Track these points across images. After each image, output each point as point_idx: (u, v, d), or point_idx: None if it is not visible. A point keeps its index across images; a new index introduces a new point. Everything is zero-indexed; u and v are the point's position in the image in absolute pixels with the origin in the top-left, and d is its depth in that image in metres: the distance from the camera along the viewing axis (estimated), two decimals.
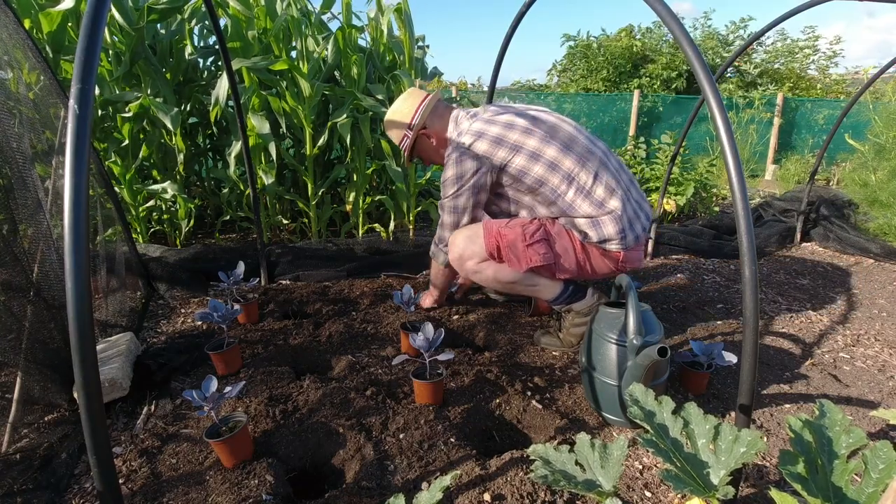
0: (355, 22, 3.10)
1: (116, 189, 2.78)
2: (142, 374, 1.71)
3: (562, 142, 1.76)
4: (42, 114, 1.86)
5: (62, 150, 1.78)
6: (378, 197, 3.34)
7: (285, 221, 3.38)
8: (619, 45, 10.17)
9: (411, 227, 3.47)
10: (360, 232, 3.44)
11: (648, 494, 1.25)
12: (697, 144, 7.08)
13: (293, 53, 3.04)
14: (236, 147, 2.92)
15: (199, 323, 2.19)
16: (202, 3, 2.75)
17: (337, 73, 3.28)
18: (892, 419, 1.01)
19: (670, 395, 1.65)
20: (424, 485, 1.24)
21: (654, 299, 2.49)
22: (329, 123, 3.02)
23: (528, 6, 2.17)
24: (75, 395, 1.30)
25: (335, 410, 1.50)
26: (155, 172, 3.13)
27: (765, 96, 8.16)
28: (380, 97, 3.06)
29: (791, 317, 2.35)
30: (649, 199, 4.22)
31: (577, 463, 1.00)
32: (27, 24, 2.35)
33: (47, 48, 2.43)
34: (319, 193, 3.22)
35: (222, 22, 2.84)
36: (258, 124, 2.88)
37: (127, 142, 2.79)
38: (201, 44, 3.26)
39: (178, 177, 3.07)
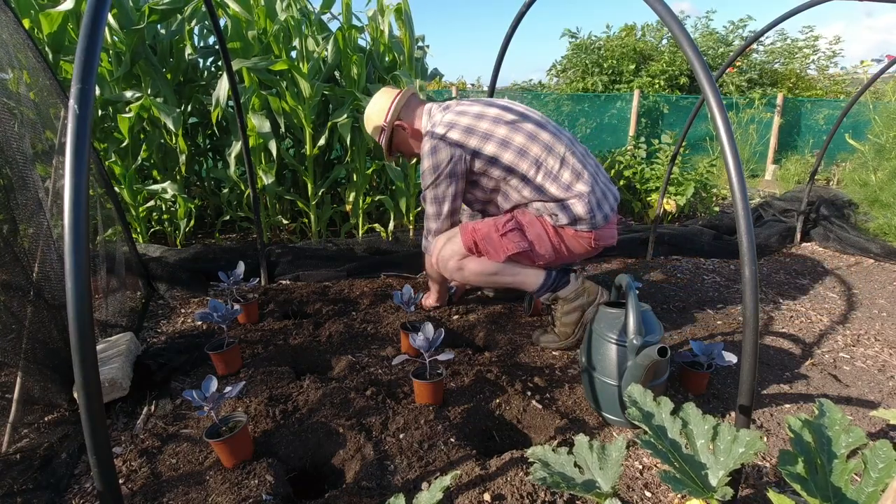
0: (355, 22, 3.10)
1: (116, 189, 2.78)
2: (142, 374, 1.71)
3: (529, 131, 1.86)
4: (42, 114, 1.86)
5: (62, 150, 1.79)
6: (378, 197, 3.34)
7: (285, 221, 3.38)
8: (620, 44, 10.17)
9: (411, 227, 3.47)
10: (360, 232, 3.44)
11: (648, 495, 1.25)
12: (697, 144, 7.07)
13: (293, 53, 3.04)
14: (236, 147, 2.92)
15: (199, 323, 2.19)
16: (202, 3, 2.75)
17: (337, 73, 3.28)
18: (891, 419, 1.01)
19: (670, 395, 1.65)
20: (424, 485, 1.24)
21: (654, 299, 2.49)
22: (329, 123, 3.02)
23: (528, 6, 2.17)
24: (75, 395, 1.30)
25: (335, 410, 1.50)
26: (155, 172, 3.13)
27: (765, 96, 8.16)
28: None
29: (791, 317, 2.35)
30: (649, 198, 4.22)
31: (575, 465, 1.00)
32: (27, 24, 2.35)
33: (47, 49, 2.43)
34: (319, 193, 3.22)
35: (222, 22, 2.85)
36: (258, 123, 2.89)
37: (127, 142, 2.79)
38: (201, 44, 3.26)
39: (178, 177, 3.07)
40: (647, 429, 0.98)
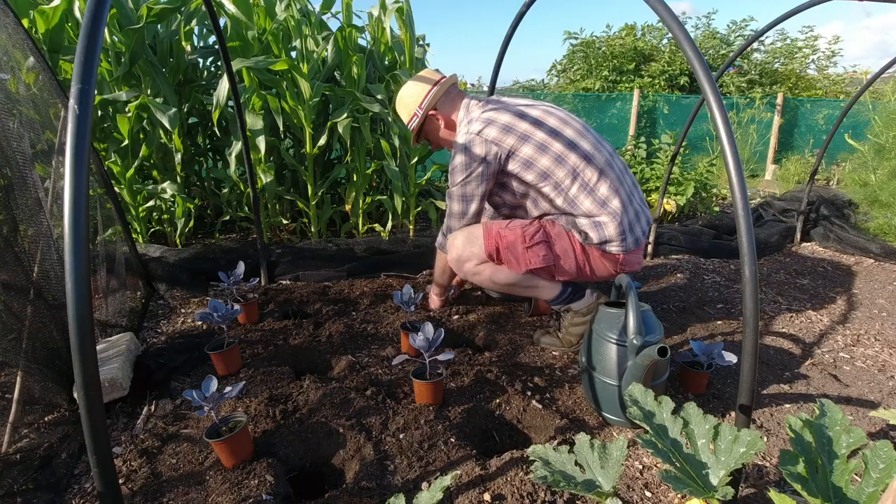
0: (355, 22, 3.10)
1: (116, 189, 2.78)
2: (142, 374, 1.71)
3: (569, 137, 1.76)
4: (42, 114, 1.86)
5: (62, 150, 1.78)
6: (378, 197, 3.33)
7: (285, 221, 3.38)
8: (620, 44, 10.17)
9: (411, 227, 3.47)
10: (360, 232, 3.44)
11: (648, 494, 1.25)
12: (697, 144, 7.07)
13: (293, 53, 3.04)
14: (236, 147, 2.92)
15: (199, 323, 2.19)
16: (202, 3, 2.75)
17: (337, 73, 3.28)
18: (892, 419, 1.01)
19: (670, 395, 1.65)
20: (424, 485, 1.24)
21: (654, 299, 2.49)
22: (329, 123, 3.02)
23: (527, 6, 2.17)
24: (75, 395, 1.30)
25: (335, 410, 1.50)
26: (155, 172, 3.13)
27: (765, 96, 8.16)
28: (380, 97, 3.06)
29: (791, 317, 2.35)
30: (649, 198, 4.22)
31: (576, 463, 1.00)
32: (24, 23, 2.35)
33: (44, 47, 2.43)
34: (319, 193, 3.22)
35: (222, 22, 2.85)
36: (251, 121, 2.88)
37: (127, 142, 2.79)
38: (201, 44, 3.26)
39: (177, 177, 3.07)
40: (648, 428, 0.98)
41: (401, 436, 1.40)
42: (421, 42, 3.44)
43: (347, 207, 3.39)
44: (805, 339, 2.13)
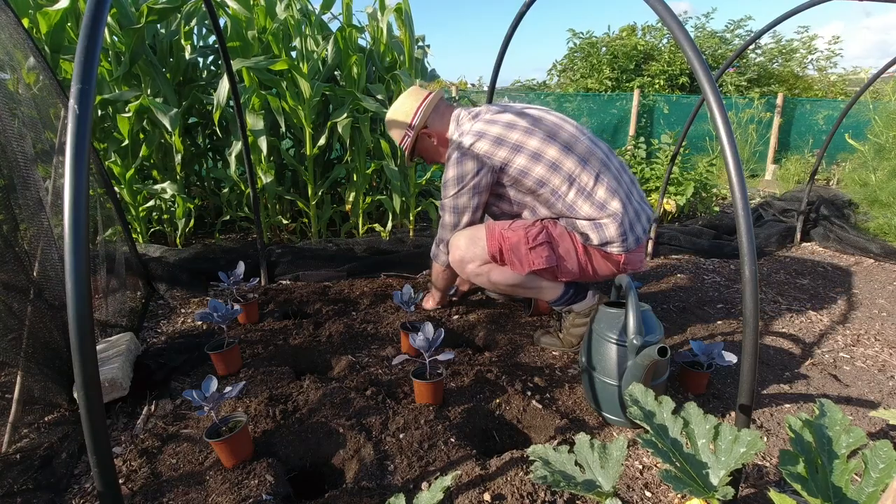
0: (355, 22, 3.10)
1: (116, 189, 2.78)
2: (142, 374, 1.71)
3: (563, 142, 1.75)
4: (42, 114, 1.86)
5: (62, 150, 1.78)
6: (378, 197, 3.34)
7: (285, 221, 3.38)
8: (621, 44, 10.17)
9: (411, 227, 3.47)
10: (360, 232, 3.44)
11: (648, 494, 1.25)
12: (697, 144, 7.07)
13: (293, 53, 3.04)
14: (236, 147, 2.92)
15: (199, 323, 2.19)
16: (202, 3, 2.75)
17: (337, 73, 3.28)
18: (891, 419, 1.01)
19: (670, 395, 1.65)
20: (424, 485, 1.24)
21: (654, 299, 2.49)
22: (329, 123, 3.02)
23: (528, 6, 2.17)
24: (75, 395, 1.30)
25: (335, 410, 1.50)
26: (155, 172, 3.13)
27: (764, 96, 8.16)
28: (380, 97, 3.06)
29: (791, 317, 2.35)
30: (649, 199, 4.22)
31: (576, 463, 1.00)
32: (25, 23, 2.35)
33: (45, 48, 2.43)
34: (319, 193, 3.22)
35: (222, 22, 2.84)
36: (252, 121, 2.88)
37: (127, 142, 2.79)
38: (201, 44, 3.26)
39: (177, 177, 3.07)
40: (648, 428, 0.98)
41: (401, 436, 1.40)
42: (420, 43, 3.44)
43: (347, 207, 3.39)
44: (805, 339, 2.13)
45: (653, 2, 1.08)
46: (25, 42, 1.77)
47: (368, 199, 3.35)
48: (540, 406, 1.55)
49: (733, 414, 1.57)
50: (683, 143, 3.09)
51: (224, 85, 2.72)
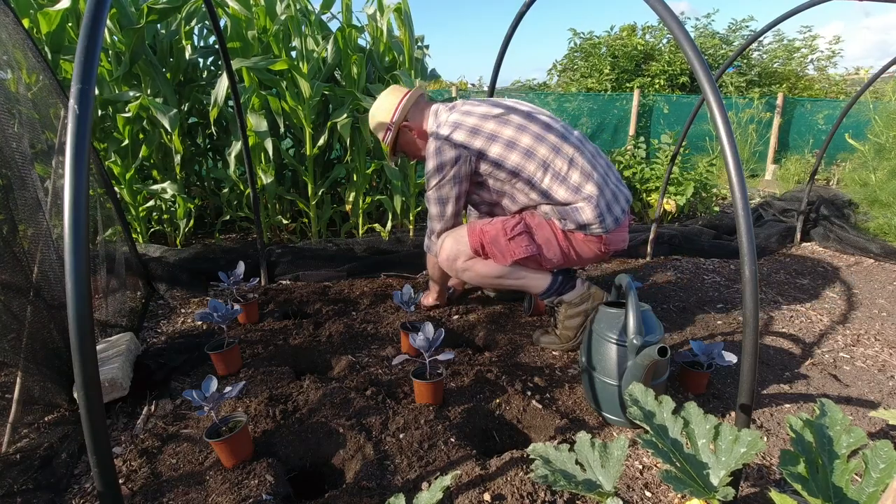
0: (355, 22, 3.10)
1: (116, 189, 2.78)
2: (142, 374, 1.71)
3: (536, 130, 1.81)
4: (42, 114, 1.86)
5: (62, 150, 1.78)
6: (378, 197, 3.34)
7: (285, 221, 3.38)
8: (621, 44, 10.18)
9: (411, 226, 3.47)
10: (360, 232, 3.44)
11: (648, 494, 1.25)
12: (697, 144, 7.07)
13: (293, 53, 3.04)
14: (236, 147, 2.92)
15: (199, 323, 2.19)
16: (202, 3, 2.75)
17: (337, 73, 3.28)
18: (892, 419, 1.01)
19: (670, 394, 1.65)
20: (424, 485, 1.24)
21: (654, 299, 2.49)
22: (329, 123, 3.02)
23: (528, 6, 2.17)
24: (75, 395, 1.30)
25: (335, 410, 1.50)
26: (155, 172, 3.13)
27: (763, 96, 8.17)
28: None
29: (791, 317, 2.35)
30: (649, 198, 4.22)
31: (577, 463, 1.00)
32: (26, 23, 2.35)
33: (46, 48, 2.43)
34: (319, 193, 3.22)
35: (222, 22, 2.84)
36: (256, 123, 2.88)
37: (127, 142, 2.79)
38: (201, 44, 3.26)
39: (177, 177, 3.07)
40: (648, 428, 0.98)
41: (401, 436, 1.40)
42: (420, 44, 3.44)
43: (347, 207, 3.39)
44: (805, 339, 2.13)
45: (653, 2, 1.08)
46: (25, 42, 1.77)
47: (368, 199, 3.35)
48: (540, 406, 1.55)
49: (733, 414, 1.57)
50: (683, 143, 3.09)
51: (222, 83, 2.72)
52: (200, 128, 3.37)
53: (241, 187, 3.20)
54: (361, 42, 3.29)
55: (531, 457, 1.03)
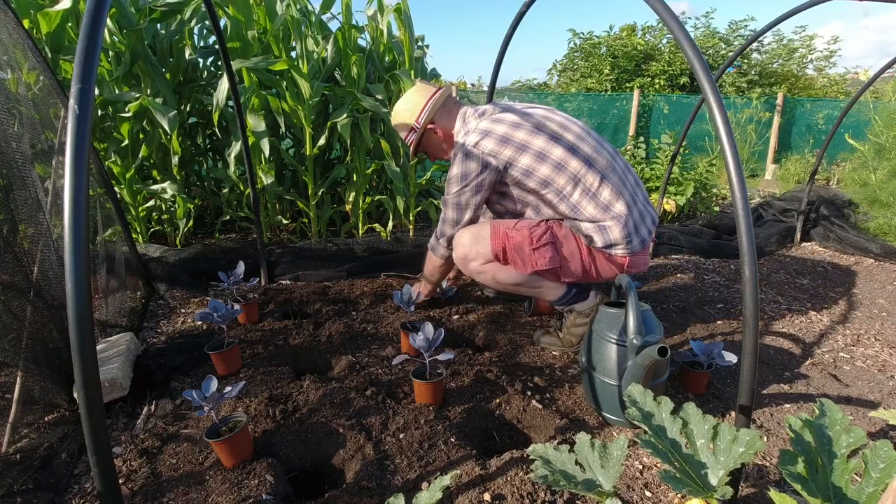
0: (355, 22, 3.10)
1: (116, 189, 2.78)
2: (142, 374, 1.71)
3: (569, 143, 1.74)
4: (42, 114, 1.86)
5: (62, 150, 1.78)
6: (378, 197, 3.34)
7: (285, 221, 3.38)
8: (621, 44, 10.18)
9: (411, 227, 3.47)
10: (360, 232, 3.44)
11: (648, 494, 1.25)
12: (697, 144, 7.08)
13: (293, 53, 3.04)
14: (236, 147, 2.92)
15: (199, 323, 2.19)
16: (202, 3, 2.75)
17: (337, 73, 3.28)
18: (891, 419, 1.01)
19: (670, 394, 1.65)
20: (424, 485, 1.24)
21: (654, 299, 2.49)
22: (329, 123, 3.02)
23: (527, 6, 2.17)
24: (75, 395, 1.30)
25: (335, 410, 1.50)
26: (155, 172, 3.13)
27: (763, 96, 8.17)
28: (379, 97, 3.06)
29: (791, 317, 2.35)
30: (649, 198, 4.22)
31: (577, 463, 1.00)
32: (26, 23, 2.35)
33: (46, 48, 2.43)
34: (319, 193, 3.22)
35: (222, 22, 2.85)
36: (254, 123, 2.88)
37: (127, 142, 2.79)
38: (201, 44, 3.26)
39: (177, 177, 3.07)
40: (647, 428, 0.98)
41: (401, 436, 1.40)
42: (420, 44, 3.44)
43: (347, 207, 3.39)
44: (805, 339, 2.13)
45: (653, 2, 1.08)
46: (25, 42, 1.77)
47: (368, 199, 3.35)
48: (540, 406, 1.55)
49: (733, 414, 1.57)
50: (683, 143, 3.09)
51: (223, 85, 2.72)
52: (200, 128, 3.37)
53: (241, 187, 3.20)
54: (361, 42, 3.29)
55: (531, 457, 1.03)
